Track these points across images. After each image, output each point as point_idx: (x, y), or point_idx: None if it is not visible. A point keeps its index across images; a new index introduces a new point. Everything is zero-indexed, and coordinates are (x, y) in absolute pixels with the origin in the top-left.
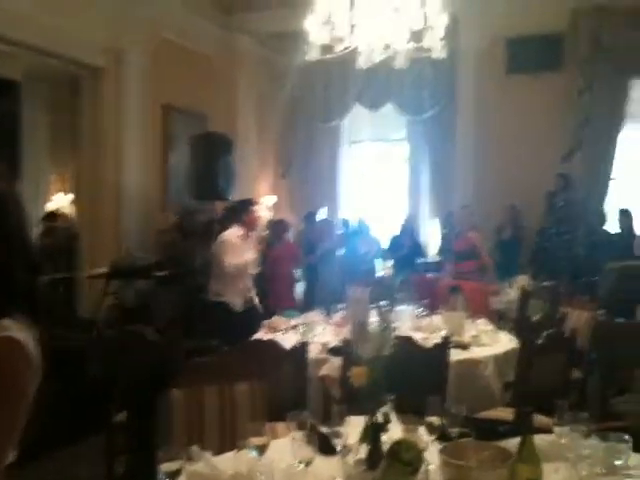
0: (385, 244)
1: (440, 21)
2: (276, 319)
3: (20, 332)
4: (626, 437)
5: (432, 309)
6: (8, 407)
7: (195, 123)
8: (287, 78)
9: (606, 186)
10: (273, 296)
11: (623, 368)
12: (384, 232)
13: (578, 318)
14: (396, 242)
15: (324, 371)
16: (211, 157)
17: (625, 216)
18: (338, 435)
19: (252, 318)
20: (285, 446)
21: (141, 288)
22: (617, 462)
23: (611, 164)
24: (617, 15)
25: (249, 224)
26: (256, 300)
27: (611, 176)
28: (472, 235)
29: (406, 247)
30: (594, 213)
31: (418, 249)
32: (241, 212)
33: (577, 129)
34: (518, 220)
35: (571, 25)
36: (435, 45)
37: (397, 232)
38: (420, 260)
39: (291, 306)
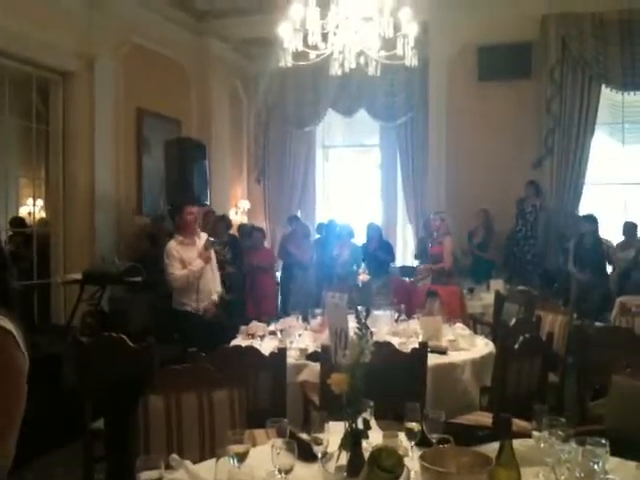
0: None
1: (411, 29)
2: (254, 325)
3: (7, 323)
4: (603, 441)
5: (409, 314)
6: (11, 386)
7: (169, 128)
8: (261, 84)
9: (578, 192)
10: (252, 303)
11: (599, 372)
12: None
13: (553, 322)
14: (365, 248)
15: (303, 377)
16: (185, 162)
17: (589, 222)
18: (318, 442)
19: (222, 325)
20: (265, 453)
21: (116, 294)
22: (595, 466)
23: (583, 170)
24: (585, 23)
25: (183, 226)
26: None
27: (583, 182)
28: (445, 239)
29: (374, 252)
30: (566, 218)
31: (387, 254)
32: (174, 215)
33: (547, 135)
34: (490, 224)
35: (540, 33)
36: (407, 53)
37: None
38: (394, 265)
39: (270, 313)
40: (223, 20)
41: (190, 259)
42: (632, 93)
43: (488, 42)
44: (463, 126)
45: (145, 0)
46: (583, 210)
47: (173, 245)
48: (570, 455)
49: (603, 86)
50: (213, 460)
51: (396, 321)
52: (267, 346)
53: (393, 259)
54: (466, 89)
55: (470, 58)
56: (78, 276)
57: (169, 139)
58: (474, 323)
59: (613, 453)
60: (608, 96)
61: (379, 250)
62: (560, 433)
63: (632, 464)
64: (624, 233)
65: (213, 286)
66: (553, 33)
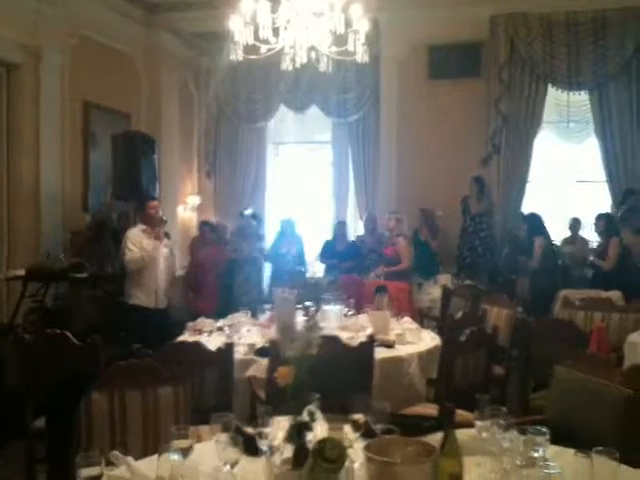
0: (315, 246)
1: (362, 26)
2: (201, 321)
3: None
4: (544, 430)
5: (358, 309)
6: None
7: (117, 121)
8: (212, 78)
9: (522, 189)
10: (201, 299)
11: (542, 364)
12: (312, 234)
13: (498, 316)
14: (329, 246)
15: (250, 372)
16: (133, 156)
17: (530, 220)
18: (264, 436)
19: (169, 319)
20: (210, 449)
21: (60, 291)
22: (536, 454)
23: (527, 168)
24: (533, 24)
25: (147, 219)
26: (175, 301)
27: (527, 179)
28: (398, 241)
29: (341, 251)
30: (510, 215)
31: (355, 252)
32: (139, 208)
33: (495, 133)
34: (433, 222)
35: (489, 33)
36: (358, 49)
37: (329, 236)
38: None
39: (218, 308)
40: (174, 13)
41: (150, 248)
42: (577, 93)
43: (439, 41)
44: (414, 123)
45: None
46: (527, 207)
47: (135, 231)
48: (512, 444)
49: (549, 86)
50: (156, 456)
51: (345, 316)
52: (214, 342)
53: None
54: (417, 87)
55: (421, 56)
56: (21, 272)
57: (117, 133)
58: (422, 317)
59: (554, 442)
60: (554, 95)
61: (345, 248)
62: (502, 422)
63: (571, 451)
64: (569, 228)
65: (162, 283)
66: (502, 33)
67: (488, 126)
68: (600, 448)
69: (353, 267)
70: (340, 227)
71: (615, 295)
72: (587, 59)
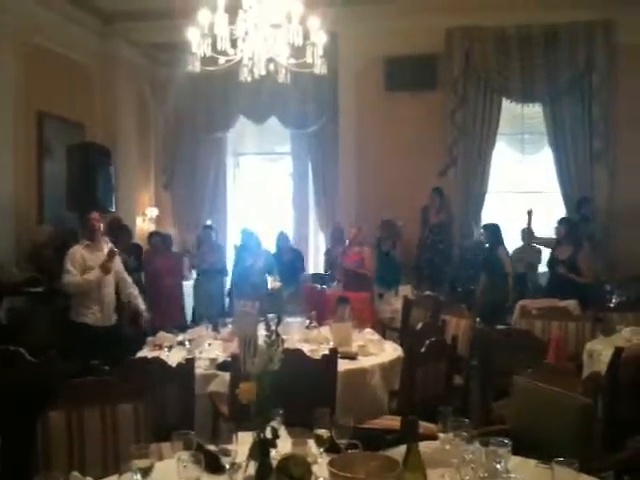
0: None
1: (320, 38)
2: (161, 335)
3: None
4: (506, 441)
5: (320, 320)
6: None
7: (73, 132)
8: (170, 89)
9: (481, 200)
10: (157, 312)
11: (502, 373)
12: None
13: (457, 326)
14: (277, 257)
15: (212, 387)
16: (89, 167)
17: (490, 230)
18: (226, 453)
19: (120, 336)
20: (171, 467)
21: (15, 305)
22: (498, 465)
23: (486, 178)
24: (487, 37)
25: (88, 233)
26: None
27: (486, 190)
28: (360, 250)
29: (286, 261)
30: (469, 226)
31: (299, 262)
32: (81, 223)
33: (452, 145)
34: (395, 233)
35: (445, 46)
36: (316, 61)
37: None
38: (306, 272)
39: (177, 322)
40: (130, 23)
41: (96, 264)
42: (530, 105)
43: (395, 53)
44: (372, 135)
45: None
46: (485, 217)
47: (77, 249)
48: (474, 455)
49: (504, 98)
50: (116, 476)
51: (307, 328)
52: (175, 357)
53: (303, 267)
54: (374, 99)
55: (378, 69)
56: None
57: (72, 144)
58: (383, 328)
59: (516, 452)
60: (509, 108)
61: (290, 258)
62: (464, 434)
63: (532, 462)
64: (522, 239)
65: (112, 298)
66: (457, 46)
67: (445, 138)
68: (561, 459)
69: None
70: (282, 238)
71: (571, 304)
72: (540, 72)
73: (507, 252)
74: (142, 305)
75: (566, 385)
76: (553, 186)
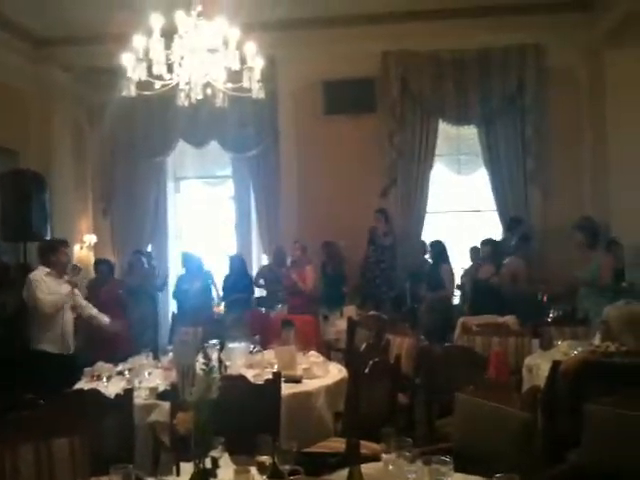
0: (218, 281)
1: (257, 63)
2: (100, 366)
3: None
4: (447, 459)
5: (265, 345)
6: None
7: (5, 159)
8: (107, 113)
9: (421, 219)
10: (103, 341)
11: (445, 391)
12: (215, 269)
13: (401, 345)
14: (225, 280)
15: (153, 417)
16: (22, 195)
17: (435, 248)
18: None
19: (72, 366)
20: None
21: None
22: None
23: (425, 198)
24: (422, 61)
25: (56, 264)
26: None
27: (425, 210)
28: (307, 269)
29: (234, 284)
30: (411, 245)
31: (248, 286)
32: (48, 252)
33: (391, 167)
34: (337, 254)
35: (382, 69)
36: (253, 86)
37: (227, 271)
38: (254, 296)
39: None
40: (63, 48)
41: (57, 290)
42: (466, 127)
43: (333, 77)
44: (313, 158)
45: None
46: (426, 236)
47: (40, 274)
48: (417, 475)
49: (440, 120)
50: None
51: (251, 353)
52: (114, 387)
53: (252, 293)
54: (313, 122)
55: (316, 92)
56: None
57: (4, 171)
58: (328, 350)
59: (459, 469)
60: (445, 129)
61: (241, 286)
62: (407, 454)
63: (473, 479)
64: (471, 258)
65: (69, 327)
66: (393, 70)
67: (384, 159)
68: (501, 475)
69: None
70: (235, 260)
71: (510, 320)
72: (474, 95)
73: (451, 270)
74: (105, 318)
75: (506, 400)
76: (490, 205)
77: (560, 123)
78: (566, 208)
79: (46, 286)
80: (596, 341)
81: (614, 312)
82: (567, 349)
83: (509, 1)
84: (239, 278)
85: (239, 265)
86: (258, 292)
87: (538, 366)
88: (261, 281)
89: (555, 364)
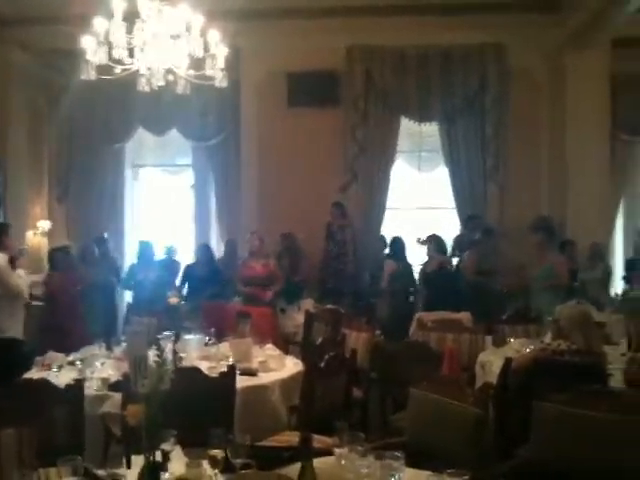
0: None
1: (220, 51)
2: (51, 355)
3: None
4: (399, 454)
5: (220, 337)
6: None
7: None
8: (66, 97)
9: (381, 215)
10: (56, 330)
11: (400, 385)
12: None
13: (357, 339)
14: (191, 270)
15: (105, 408)
16: None
17: (394, 244)
18: (116, 477)
19: (22, 355)
20: None
21: None
22: (392, 479)
23: (385, 194)
24: (386, 56)
25: (9, 249)
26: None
27: (386, 205)
28: (267, 262)
29: (201, 275)
30: (371, 240)
31: (216, 276)
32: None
33: (353, 161)
34: (295, 246)
35: (346, 63)
36: (216, 74)
37: (191, 260)
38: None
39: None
40: (23, 28)
41: (19, 274)
42: (427, 124)
43: (297, 69)
44: (275, 149)
45: None
46: (386, 232)
47: (2, 259)
48: (369, 469)
49: (402, 116)
50: None
51: (206, 345)
52: (65, 378)
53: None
54: (276, 114)
55: (280, 84)
56: None
57: None
58: (286, 343)
59: (412, 464)
60: (407, 126)
61: (208, 277)
62: (360, 448)
63: (425, 474)
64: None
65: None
66: (357, 64)
67: (346, 154)
68: (452, 470)
69: (216, 293)
70: (203, 250)
71: (465, 316)
72: (436, 92)
73: (402, 266)
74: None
75: (459, 396)
76: (450, 202)
77: (520, 123)
78: (523, 207)
79: (10, 270)
80: (547, 339)
81: (565, 311)
82: (519, 346)
83: (473, 0)
84: (209, 268)
85: (206, 255)
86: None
87: (491, 363)
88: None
89: (507, 361)
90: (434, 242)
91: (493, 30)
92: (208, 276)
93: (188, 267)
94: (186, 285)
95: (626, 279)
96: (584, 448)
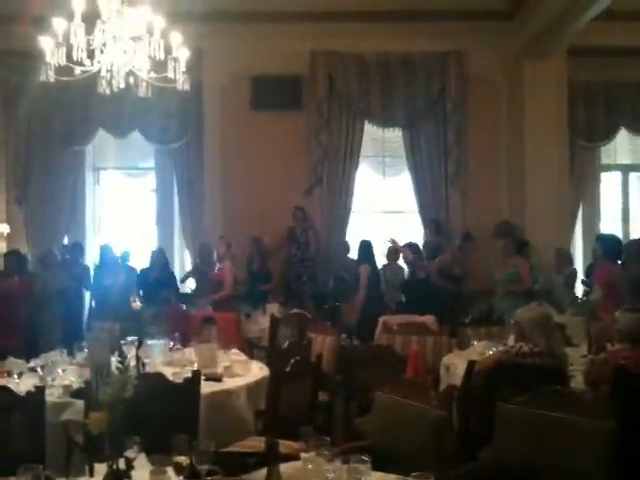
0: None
1: (182, 53)
2: (10, 362)
3: None
4: (365, 458)
5: (185, 342)
6: None
7: None
8: (23, 98)
9: (345, 218)
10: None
11: (364, 389)
12: (135, 263)
13: (322, 343)
14: (145, 275)
15: (66, 416)
16: None
17: (360, 247)
18: None
19: None
20: None
21: None
22: None
23: (350, 198)
24: (349, 62)
25: None
26: None
27: (350, 210)
28: (225, 266)
29: (156, 279)
30: (335, 243)
31: (171, 281)
32: None
33: (317, 165)
34: (264, 251)
35: (309, 68)
36: (178, 77)
37: (146, 264)
38: (171, 292)
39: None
40: None
41: None
42: (391, 129)
43: (261, 73)
44: (238, 153)
45: None
46: (350, 237)
47: None
48: (336, 474)
49: (366, 121)
50: None
51: (170, 350)
52: (25, 384)
53: (176, 289)
54: (240, 117)
55: (244, 87)
56: None
57: None
58: (251, 348)
59: (377, 467)
60: (371, 131)
61: (160, 281)
62: (326, 453)
63: (391, 477)
64: (387, 257)
65: None
66: (320, 69)
67: (310, 158)
68: (417, 473)
69: (169, 297)
70: (158, 254)
71: (429, 319)
72: (398, 98)
73: (372, 270)
74: None
75: (423, 399)
76: (413, 207)
77: (480, 129)
78: (484, 211)
79: None
80: (510, 342)
81: (526, 314)
82: (482, 349)
83: (433, 7)
84: (162, 273)
85: (161, 260)
86: (181, 289)
87: (455, 365)
88: (190, 279)
89: (470, 363)
90: (417, 250)
91: (453, 37)
92: (162, 280)
93: (142, 272)
94: (140, 290)
95: (586, 283)
96: (546, 449)
